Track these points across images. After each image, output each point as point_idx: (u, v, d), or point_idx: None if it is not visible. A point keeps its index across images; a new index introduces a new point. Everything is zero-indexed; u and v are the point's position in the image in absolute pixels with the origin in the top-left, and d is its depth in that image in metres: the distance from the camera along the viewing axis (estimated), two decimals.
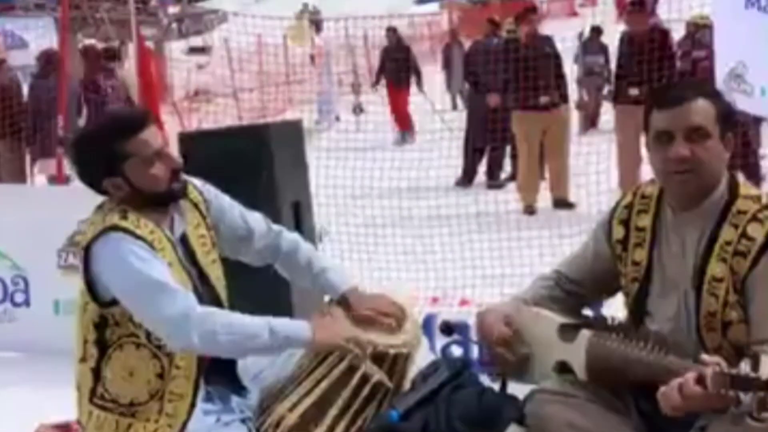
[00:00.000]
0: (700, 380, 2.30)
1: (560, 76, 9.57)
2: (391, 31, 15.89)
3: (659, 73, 8.19)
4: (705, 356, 2.41)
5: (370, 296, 3.13)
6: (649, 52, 8.32)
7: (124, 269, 2.76)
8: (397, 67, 15.14)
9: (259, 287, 3.56)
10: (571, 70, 12.57)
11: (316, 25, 26.15)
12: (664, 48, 8.46)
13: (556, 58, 9.55)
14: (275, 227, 3.22)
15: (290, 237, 3.23)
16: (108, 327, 2.85)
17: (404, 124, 15.09)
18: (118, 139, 2.84)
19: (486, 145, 11.07)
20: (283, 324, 2.86)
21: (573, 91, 13.27)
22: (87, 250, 2.83)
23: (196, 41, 25.81)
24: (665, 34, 8.80)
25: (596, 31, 15.14)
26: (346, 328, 2.94)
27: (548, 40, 9.74)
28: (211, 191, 3.08)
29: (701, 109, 2.63)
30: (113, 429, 2.85)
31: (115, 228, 2.80)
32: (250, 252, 3.18)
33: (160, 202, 2.88)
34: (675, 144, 2.61)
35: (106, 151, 2.85)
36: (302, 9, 33.42)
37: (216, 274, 3.01)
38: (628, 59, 8.49)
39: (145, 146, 2.83)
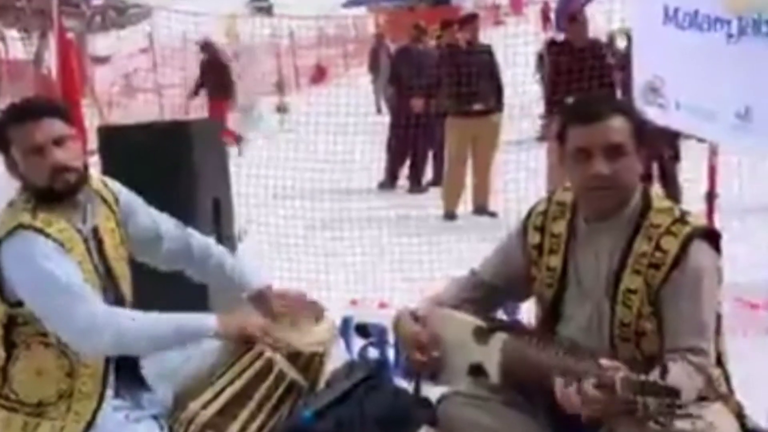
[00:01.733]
0: (603, 385, 2.33)
1: (498, 84, 9.65)
2: (208, 45, 15.24)
3: (599, 80, 8.27)
4: (604, 361, 2.43)
5: (286, 293, 3.15)
6: (588, 60, 8.38)
7: (32, 271, 2.72)
8: (215, 81, 14.57)
9: (175, 290, 3.50)
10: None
11: (267, 11, 25.85)
12: (603, 59, 8.56)
13: (494, 65, 9.64)
14: (187, 230, 3.20)
15: (202, 240, 3.22)
16: (16, 327, 2.81)
17: (228, 137, 14.07)
18: (8, 123, 2.86)
19: (409, 149, 11.14)
20: (189, 318, 2.86)
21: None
22: None
23: (100, 50, 25.28)
24: (602, 46, 8.89)
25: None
26: (257, 321, 2.96)
27: (487, 48, 9.81)
28: (122, 190, 3.05)
29: (619, 126, 2.64)
30: (20, 429, 2.80)
31: (25, 226, 2.76)
32: (160, 254, 3.16)
33: (45, 195, 2.82)
34: (594, 161, 2.61)
35: (1, 131, 2.88)
36: None
37: (122, 272, 2.98)
38: (566, 70, 8.49)
39: (25, 137, 2.81)
